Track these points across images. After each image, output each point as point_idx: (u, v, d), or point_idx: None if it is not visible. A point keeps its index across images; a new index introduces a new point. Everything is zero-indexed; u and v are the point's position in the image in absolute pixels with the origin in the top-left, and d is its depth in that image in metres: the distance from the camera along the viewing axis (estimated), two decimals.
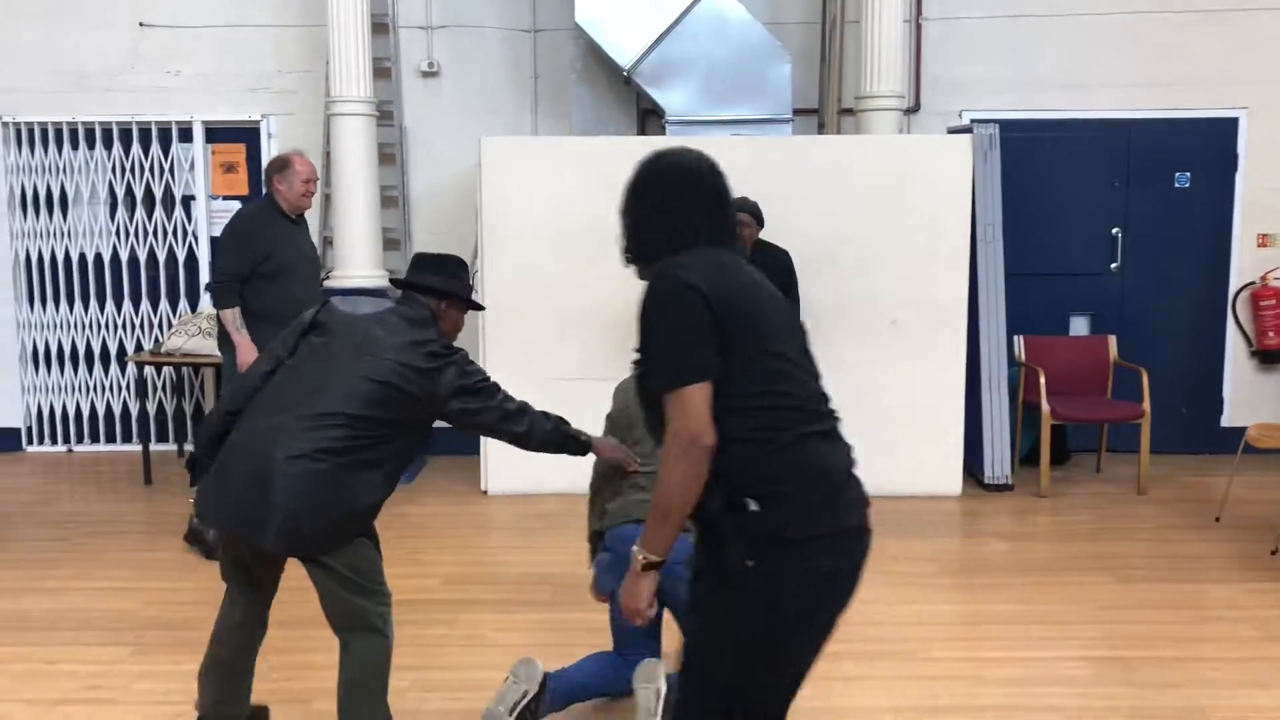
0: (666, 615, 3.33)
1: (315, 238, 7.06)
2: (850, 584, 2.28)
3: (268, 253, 5.09)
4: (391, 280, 3.26)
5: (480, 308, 3.37)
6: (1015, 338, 6.53)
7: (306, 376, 3.01)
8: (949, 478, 6.06)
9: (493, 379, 3.15)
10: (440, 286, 3.15)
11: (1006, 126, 6.24)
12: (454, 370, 3.03)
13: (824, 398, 2.32)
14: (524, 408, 3.19)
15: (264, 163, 7.06)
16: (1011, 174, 6.29)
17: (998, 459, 6.17)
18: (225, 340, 5.16)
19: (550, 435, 3.23)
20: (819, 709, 3.56)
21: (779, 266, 5.51)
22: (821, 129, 6.86)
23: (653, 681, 3.28)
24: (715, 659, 2.28)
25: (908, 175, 5.92)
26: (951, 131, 6.50)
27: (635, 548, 2.27)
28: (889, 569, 4.91)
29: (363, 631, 3.04)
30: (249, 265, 5.07)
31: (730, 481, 2.18)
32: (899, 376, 6.00)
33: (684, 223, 2.33)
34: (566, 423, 3.29)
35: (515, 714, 3.26)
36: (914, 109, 6.92)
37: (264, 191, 5.30)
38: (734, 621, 2.23)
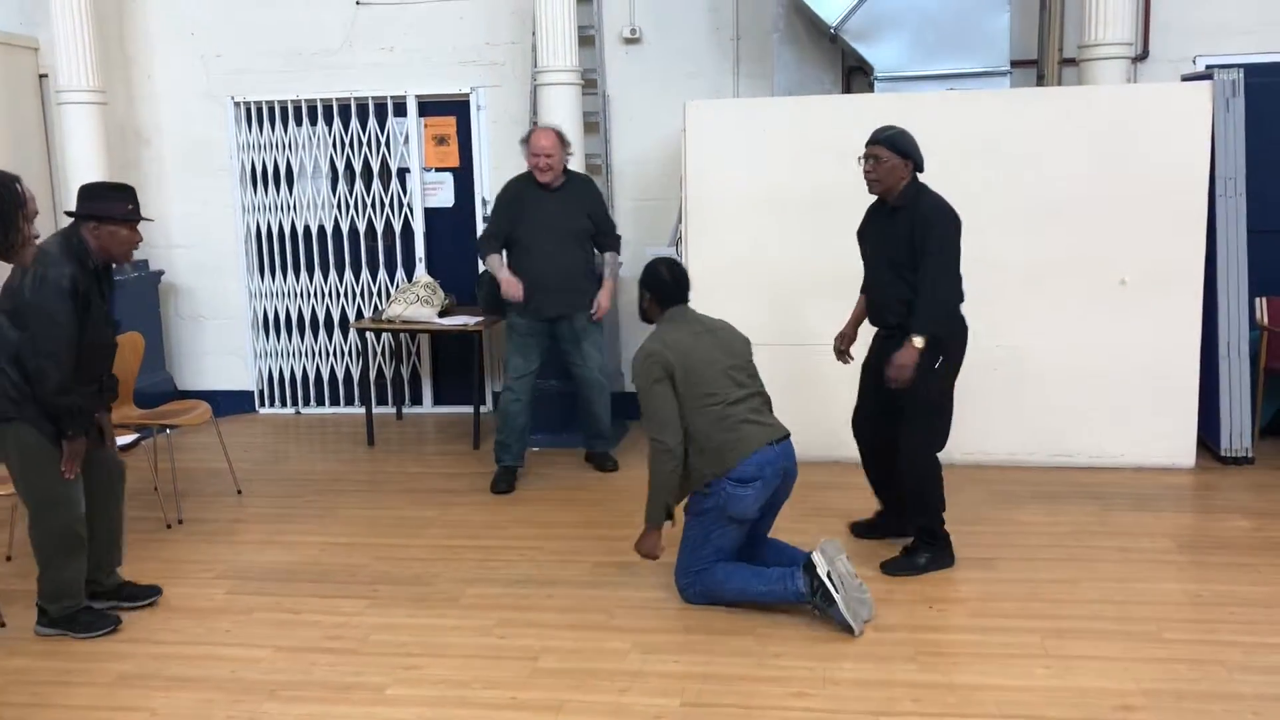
0: None
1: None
2: None
3: (516, 218, 5.66)
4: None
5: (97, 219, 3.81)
6: (1256, 300, 6.06)
7: None
8: (1182, 449, 5.70)
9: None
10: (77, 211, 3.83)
11: (1249, 71, 5.75)
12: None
13: None
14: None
15: (474, 135, 7.28)
16: (1255, 123, 5.81)
17: (1236, 430, 5.75)
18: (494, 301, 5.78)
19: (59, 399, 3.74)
20: (1056, 688, 3.41)
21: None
22: (1041, 81, 6.51)
23: (841, 551, 3.90)
24: None
25: (1138, 127, 5.55)
26: (1186, 79, 6.05)
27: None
28: (1121, 544, 4.67)
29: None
30: (502, 228, 5.69)
31: None
32: (1128, 340, 5.67)
33: None
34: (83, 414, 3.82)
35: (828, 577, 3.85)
36: (1142, 57, 6.47)
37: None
38: None
